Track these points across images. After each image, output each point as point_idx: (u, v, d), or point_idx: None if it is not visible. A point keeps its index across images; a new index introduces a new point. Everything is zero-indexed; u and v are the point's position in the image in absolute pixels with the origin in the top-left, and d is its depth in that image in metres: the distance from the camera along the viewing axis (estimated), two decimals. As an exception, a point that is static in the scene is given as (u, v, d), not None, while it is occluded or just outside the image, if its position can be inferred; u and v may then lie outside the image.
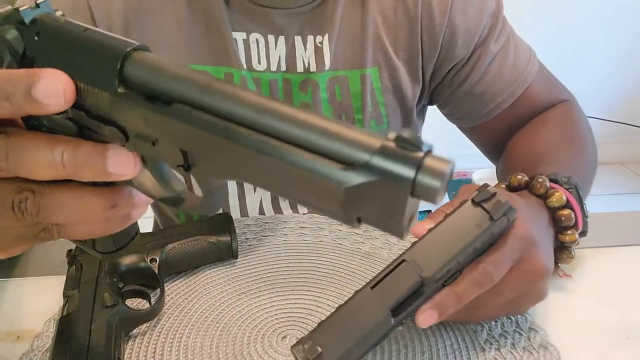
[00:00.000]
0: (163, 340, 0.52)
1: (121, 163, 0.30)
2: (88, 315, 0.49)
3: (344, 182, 0.23)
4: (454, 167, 0.23)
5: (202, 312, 0.56)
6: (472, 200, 0.47)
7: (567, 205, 0.57)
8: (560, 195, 0.56)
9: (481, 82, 0.77)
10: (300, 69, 0.73)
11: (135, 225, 0.40)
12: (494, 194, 0.47)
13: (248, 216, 0.77)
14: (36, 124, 0.32)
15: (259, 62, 0.72)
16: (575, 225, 0.57)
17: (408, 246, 0.47)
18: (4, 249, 0.35)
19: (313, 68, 0.73)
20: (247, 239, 0.67)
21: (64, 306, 0.52)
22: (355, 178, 0.23)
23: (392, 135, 0.23)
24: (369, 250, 0.65)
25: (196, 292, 0.58)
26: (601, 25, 2.51)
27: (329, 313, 0.45)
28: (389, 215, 0.23)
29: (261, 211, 0.79)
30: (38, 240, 0.34)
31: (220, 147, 0.26)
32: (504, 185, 0.61)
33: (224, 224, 0.62)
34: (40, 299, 0.57)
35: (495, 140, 0.83)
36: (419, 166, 0.22)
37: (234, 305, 0.56)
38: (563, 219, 0.56)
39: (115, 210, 0.33)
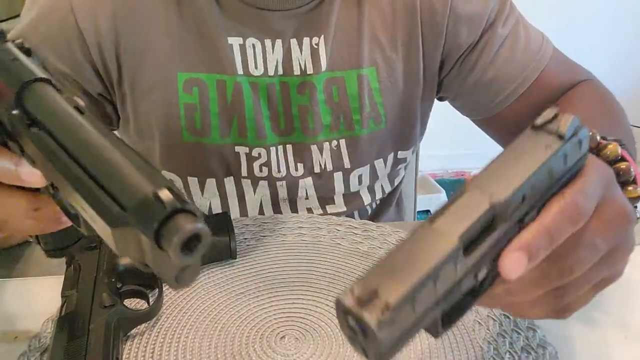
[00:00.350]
0: (161, 340, 0.52)
1: (31, 173, 0.36)
2: (86, 315, 0.49)
3: (110, 224, 0.26)
4: (203, 227, 0.26)
5: (200, 312, 0.56)
6: (533, 126, 0.37)
7: (623, 159, 0.50)
8: (614, 147, 0.49)
9: (491, 67, 0.75)
10: (297, 71, 0.72)
11: (72, 231, 0.43)
12: (557, 114, 0.37)
13: (248, 216, 0.77)
14: None
15: (256, 67, 0.72)
16: (635, 181, 0.50)
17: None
18: None
19: (310, 70, 0.72)
20: (246, 239, 0.67)
21: (62, 306, 0.52)
22: (119, 222, 0.26)
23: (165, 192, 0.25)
24: (368, 250, 0.65)
25: (194, 292, 0.58)
26: (601, 26, 2.51)
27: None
28: (155, 263, 0.26)
29: (261, 211, 0.79)
30: None
31: (55, 173, 0.30)
32: None
33: (223, 223, 0.62)
34: (38, 299, 0.57)
35: (513, 130, 0.77)
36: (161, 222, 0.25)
37: (232, 306, 0.56)
38: (621, 172, 0.49)
39: (40, 213, 0.38)
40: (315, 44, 0.72)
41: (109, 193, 0.27)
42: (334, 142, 0.76)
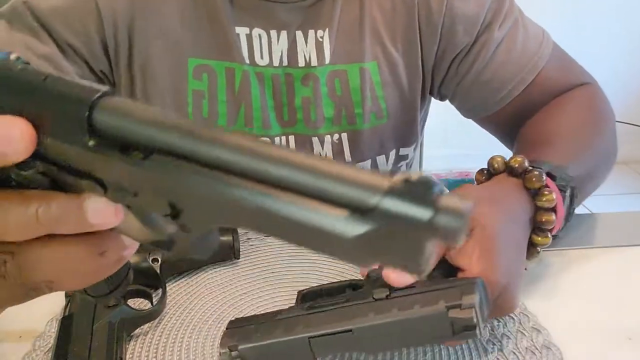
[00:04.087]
0: (165, 340, 0.52)
1: (101, 211, 0.27)
2: (90, 315, 0.49)
3: (350, 231, 0.21)
4: (471, 207, 0.20)
5: (204, 312, 0.56)
6: (446, 307, 0.43)
7: (553, 208, 0.56)
8: (551, 198, 0.55)
9: (488, 69, 0.75)
10: (301, 63, 0.73)
11: (127, 264, 0.36)
12: (471, 305, 0.43)
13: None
14: (4, 181, 0.28)
15: (262, 57, 0.72)
16: (551, 230, 0.56)
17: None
18: None
19: (314, 62, 0.73)
20: (249, 238, 0.67)
21: (66, 306, 0.52)
22: (362, 226, 0.20)
23: (399, 176, 0.21)
24: (371, 250, 0.65)
25: (198, 292, 0.58)
26: (605, 25, 2.51)
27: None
28: (405, 258, 0.21)
29: None
30: (29, 298, 0.31)
31: (209, 197, 0.23)
32: (484, 177, 0.60)
33: (226, 224, 0.62)
34: (42, 299, 0.56)
35: (510, 128, 0.79)
36: (435, 207, 0.20)
37: (236, 306, 0.56)
38: (544, 221, 0.55)
39: (105, 257, 0.30)
40: (320, 37, 0.73)
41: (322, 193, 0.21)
42: (336, 136, 0.76)
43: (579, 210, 0.64)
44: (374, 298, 0.46)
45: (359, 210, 0.20)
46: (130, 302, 0.54)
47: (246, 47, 0.72)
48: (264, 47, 0.72)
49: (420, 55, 0.75)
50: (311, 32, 0.72)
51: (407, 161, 0.86)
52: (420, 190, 0.20)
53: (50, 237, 0.28)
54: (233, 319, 0.50)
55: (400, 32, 0.74)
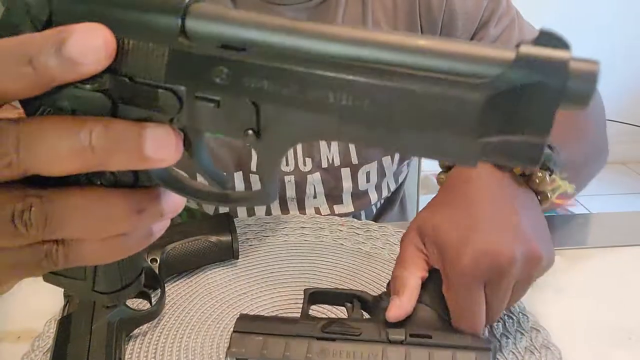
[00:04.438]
0: (164, 340, 0.52)
1: (161, 141, 0.25)
2: (89, 315, 0.49)
3: (480, 91, 0.20)
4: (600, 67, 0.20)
5: (202, 312, 0.55)
6: None
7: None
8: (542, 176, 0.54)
9: None
10: None
11: (142, 259, 0.34)
12: None
13: (255, 215, 0.77)
14: (57, 104, 0.26)
15: None
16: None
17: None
18: None
19: None
20: (248, 239, 0.66)
21: (64, 306, 0.52)
22: (492, 90, 0.20)
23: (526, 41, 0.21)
24: (370, 250, 0.65)
25: (197, 292, 0.58)
26: (603, 24, 2.51)
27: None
28: (534, 130, 0.21)
29: (268, 212, 0.78)
30: (38, 270, 0.27)
31: (315, 83, 0.22)
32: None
33: (225, 223, 0.62)
34: (41, 299, 0.57)
35: None
36: (565, 69, 0.20)
37: (235, 306, 0.56)
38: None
39: (142, 217, 0.27)
40: None
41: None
42: None
43: (578, 210, 0.63)
44: (389, 340, 0.46)
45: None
46: (129, 302, 0.54)
47: None
48: None
49: None
50: None
51: (408, 160, 0.86)
52: (550, 47, 0.20)
53: (89, 187, 0.26)
54: (240, 315, 0.50)
55: (402, 30, 0.74)
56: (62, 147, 0.24)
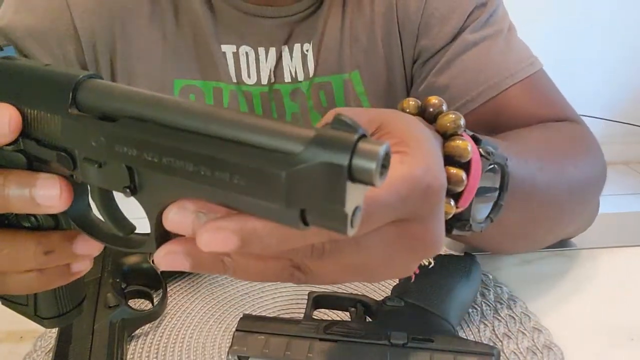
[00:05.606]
0: (166, 340, 0.52)
1: (49, 189, 0.30)
2: (91, 315, 0.49)
3: (283, 168, 0.23)
4: (389, 148, 0.23)
5: (204, 312, 0.56)
6: None
7: (465, 165, 0.40)
8: (464, 145, 0.39)
9: (446, 72, 0.69)
10: (287, 78, 0.72)
11: (82, 290, 0.39)
12: None
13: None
14: None
15: (249, 76, 0.71)
16: (459, 195, 0.40)
17: None
18: None
19: (300, 77, 0.72)
20: (250, 239, 0.66)
21: (66, 307, 0.52)
22: (293, 166, 0.23)
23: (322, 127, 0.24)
24: (372, 250, 0.65)
25: (199, 292, 0.58)
26: (604, 25, 2.51)
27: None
28: (331, 203, 0.23)
29: None
30: None
31: (168, 155, 0.26)
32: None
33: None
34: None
35: None
36: (353, 149, 0.23)
37: (236, 306, 0.56)
38: (451, 174, 0.39)
39: (51, 258, 0.32)
40: (306, 50, 0.71)
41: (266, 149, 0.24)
42: None
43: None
44: (390, 342, 0.46)
45: (291, 155, 0.24)
46: (131, 302, 0.54)
47: (233, 66, 0.70)
48: (252, 65, 0.71)
49: (402, 58, 0.73)
50: (297, 46, 0.71)
51: None
52: (341, 131, 0.23)
53: (2, 228, 0.31)
54: (242, 315, 0.50)
55: (380, 35, 0.72)
56: None
